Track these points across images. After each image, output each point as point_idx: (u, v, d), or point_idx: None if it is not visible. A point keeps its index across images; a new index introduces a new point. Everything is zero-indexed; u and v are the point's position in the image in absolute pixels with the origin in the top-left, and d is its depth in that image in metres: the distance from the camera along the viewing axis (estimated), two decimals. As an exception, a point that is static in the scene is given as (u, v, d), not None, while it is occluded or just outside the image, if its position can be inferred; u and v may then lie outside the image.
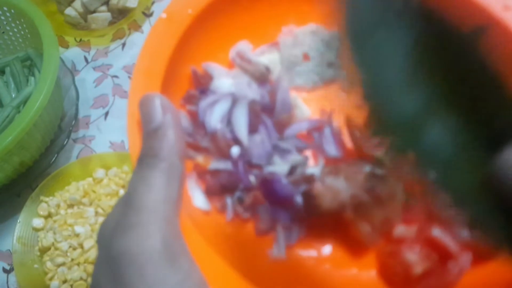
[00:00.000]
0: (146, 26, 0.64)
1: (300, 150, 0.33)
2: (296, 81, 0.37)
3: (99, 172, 0.49)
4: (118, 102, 0.58)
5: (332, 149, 0.33)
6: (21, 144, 0.44)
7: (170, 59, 0.31)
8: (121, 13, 0.63)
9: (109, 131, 0.56)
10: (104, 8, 0.63)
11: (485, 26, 0.32)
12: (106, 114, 0.57)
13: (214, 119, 0.31)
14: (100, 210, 0.46)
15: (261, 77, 0.35)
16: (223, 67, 0.35)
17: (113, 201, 0.46)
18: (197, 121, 0.32)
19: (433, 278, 0.27)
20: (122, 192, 0.47)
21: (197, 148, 0.31)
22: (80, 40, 0.63)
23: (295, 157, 0.32)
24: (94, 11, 0.63)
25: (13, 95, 0.52)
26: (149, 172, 0.22)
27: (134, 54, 0.62)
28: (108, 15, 0.63)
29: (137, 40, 0.63)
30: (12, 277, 0.48)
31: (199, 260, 0.22)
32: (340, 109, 0.36)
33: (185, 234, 0.22)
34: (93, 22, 0.62)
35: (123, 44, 0.63)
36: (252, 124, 0.31)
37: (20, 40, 0.56)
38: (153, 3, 0.66)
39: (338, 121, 0.35)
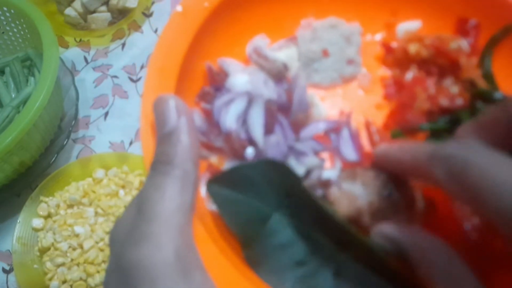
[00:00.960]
0: (146, 26, 0.64)
1: (316, 152, 0.32)
2: (314, 78, 0.36)
3: (99, 172, 0.49)
4: (118, 102, 0.58)
5: (349, 152, 0.32)
6: (21, 144, 0.44)
7: (185, 55, 0.30)
8: (121, 13, 0.63)
9: (109, 131, 0.55)
10: (104, 8, 0.63)
11: None
12: (106, 114, 0.57)
13: (229, 119, 0.30)
14: (100, 210, 0.46)
15: (278, 75, 0.34)
16: (239, 63, 0.34)
17: (113, 201, 0.46)
18: (211, 120, 0.31)
19: None
20: (122, 192, 0.47)
21: (211, 148, 0.30)
22: (80, 40, 0.63)
23: (311, 160, 0.31)
24: (94, 11, 0.63)
25: (13, 95, 0.52)
26: (162, 180, 0.22)
27: (134, 54, 0.62)
28: (108, 15, 0.63)
29: (137, 40, 0.63)
30: (12, 277, 0.48)
31: (212, 271, 0.22)
32: (359, 109, 0.35)
33: (198, 243, 0.22)
34: (93, 22, 0.62)
35: (123, 44, 0.63)
36: (267, 124, 0.31)
37: (20, 40, 0.56)
38: (153, 3, 0.66)
39: (357, 122, 0.34)
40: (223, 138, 0.30)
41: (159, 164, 0.23)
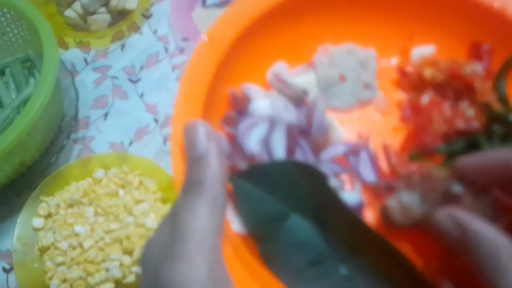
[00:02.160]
0: (145, 28, 0.64)
1: (336, 174, 0.34)
2: (332, 102, 0.38)
3: (99, 172, 0.49)
4: (118, 102, 0.58)
5: (368, 174, 0.33)
6: (21, 145, 0.45)
7: (210, 82, 0.32)
8: (120, 15, 0.64)
9: (109, 132, 0.56)
10: (103, 9, 0.63)
11: None
12: (106, 114, 0.57)
13: (252, 142, 0.32)
14: (99, 210, 0.46)
15: (298, 99, 0.35)
16: (260, 88, 0.36)
17: (112, 201, 0.46)
18: (235, 143, 0.33)
19: None
20: (122, 192, 0.48)
21: (236, 171, 0.31)
22: (80, 41, 0.64)
23: (332, 182, 0.32)
24: (93, 13, 0.63)
25: (13, 96, 0.53)
26: (194, 201, 0.23)
27: (134, 55, 0.62)
28: (107, 17, 0.63)
29: (136, 42, 0.63)
30: (12, 277, 0.48)
31: None
32: (377, 132, 0.36)
33: (227, 262, 0.23)
34: (92, 24, 0.63)
35: (123, 46, 0.63)
36: (289, 147, 0.32)
37: (20, 41, 0.56)
38: (152, 4, 0.66)
39: (374, 144, 0.35)
40: (247, 161, 0.32)
41: (191, 186, 0.24)
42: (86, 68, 0.61)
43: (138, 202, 0.47)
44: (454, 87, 0.36)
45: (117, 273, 0.42)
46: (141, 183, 0.48)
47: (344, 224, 0.26)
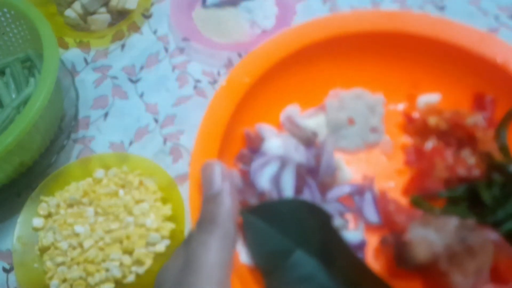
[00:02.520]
0: (145, 28, 0.64)
1: (341, 213, 0.35)
2: (340, 143, 0.40)
3: (99, 172, 0.49)
4: (118, 102, 0.58)
5: (372, 215, 0.35)
6: (22, 144, 0.45)
7: (227, 123, 0.34)
8: (120, 15, 0.64)
9: (109, 132, 0.56)
10: (103, 9, 0.63)
11: None
12: (106, 114, 0.57)
13: (264, 180, 0.34)
14: (99, 210, 0.46)
15: (308, 141, 0.37)
16: (273, 128, 0.39)
17: (112, 201, 0.46)
18: (247, 180, 0.35)
19: None
20: (122, 192, 0.48)
21: (247, 206, 0.33)
22: (80, 41, 0.64)
23: (336, 221, 0.34)
24: (93, 13, 0.63)
25: (13, 96, 0.53)
26: (207, 237, 0.25)
27: (134, 55, 0.62)
28: (107, 17, 0.63)
29: (136, 42, 0.63)
30: (12, 277, 0.48)
31: None
32: (381, 174, 0.38)
33: None
34: (92, 24, 0.63)
35: (123, 46, 0.63)
36: (297, 186, 0.34)
37: (20, 41, 0.56)
38: (152, 4, 0.66)
39: (379, 186, 0.37)
40: (257, 197, 0.34)
41: (205, 222, 0.26)
42: (86, 68, 0.61)
43: (138, 202, 0.47)
44: (456, 135, 0.37)
45: (117, 273, 0.42)
46: (141, 183, 0.48)
47: (347, 263, 0.28)
